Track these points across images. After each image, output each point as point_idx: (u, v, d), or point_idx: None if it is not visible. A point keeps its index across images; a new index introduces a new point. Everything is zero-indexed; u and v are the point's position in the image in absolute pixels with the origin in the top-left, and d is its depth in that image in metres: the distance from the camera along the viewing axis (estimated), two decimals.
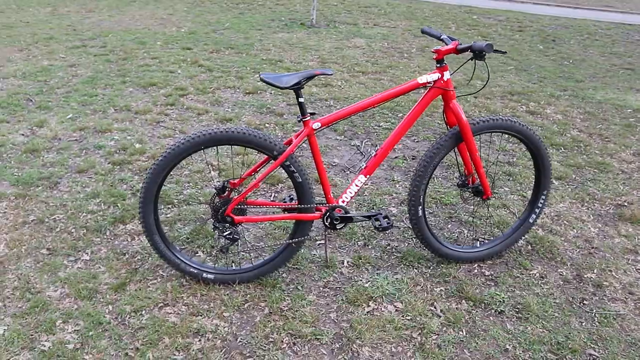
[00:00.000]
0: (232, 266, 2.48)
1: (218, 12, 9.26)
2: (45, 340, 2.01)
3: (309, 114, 2.22)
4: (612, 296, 2.40)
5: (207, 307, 2.23)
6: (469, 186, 2.55)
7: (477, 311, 2.28)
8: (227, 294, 2.30)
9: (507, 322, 2.22)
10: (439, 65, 2.29)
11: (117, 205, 2.95)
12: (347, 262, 2.57)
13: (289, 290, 2.35)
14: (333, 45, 6.95)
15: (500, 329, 2.18)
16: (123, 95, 4.72)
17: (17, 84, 4.92)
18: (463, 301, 2.33)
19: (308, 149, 2.42)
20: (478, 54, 2.19)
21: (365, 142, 3.93)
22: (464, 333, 2.15)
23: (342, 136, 4.05)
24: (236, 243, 2.37)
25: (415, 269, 2.54)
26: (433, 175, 3.42)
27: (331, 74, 2.27)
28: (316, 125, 2.22)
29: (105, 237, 2.68)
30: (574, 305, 2.33)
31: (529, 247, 2.74)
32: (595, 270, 2.57)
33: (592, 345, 2.11)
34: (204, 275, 2.33)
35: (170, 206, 2.99)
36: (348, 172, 3.49)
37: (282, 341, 2.07)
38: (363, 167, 2.40)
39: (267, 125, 4.19)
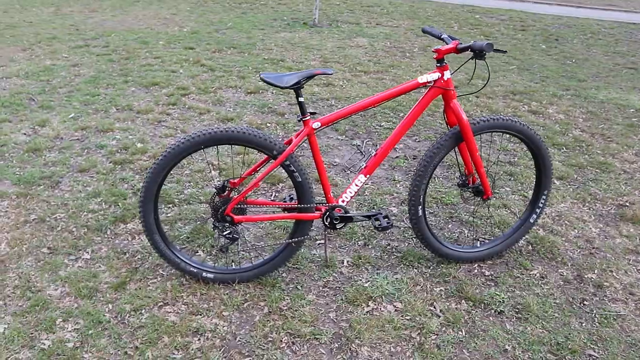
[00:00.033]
0: (231, 265, 2.49)
1: (221, 11, 9.27)
2: (45, 339, 2.02)
3: (309, 114, 2.22)
4: (613, 297, 2.40)
5: (207, 306, 2.23)
6: (470, 186, 2.54)
7: (476, 311, 2.27)
8: (227, 294, 2.30)
9: (507, 322, 2.22)
10: (439, 64, 2.29)
11: (118, 205, 2.96)
12: (347, 261, 2.57)
13: (288, 290, 2.36)
14: (335, 45, 6.95)
15: (500, 329, 2.18)
16: (125, 95, 4.73)
17: (20, 83, 4.94)
18: (463, 301, 2.33)
19: (309, 149, 2.43)
20: (478, 54, 2.19)
21: (367, 142, 3.93)
22: (463, 333, 2.15)
23: (344, 136, 4.05)
24: (236, 242, 2.37)
25: (415, 268, 2.53)
26: (434, 175, 3.42)
27: (331, 74, 2.27)
28: (316, 124, 2.22)
29: (106, 236, 2.69)
30: (574, 306, 2.33)
31: (530, 247, 2.73)
32: (596, 271, 2.56)
33: (592, 346, 2.10)
34: (204, 274, 2.33)
35: (171, 205, 3.00)
36: (349, 172, 3.49)
37: (281, 340, 2.07)
38: (363, 167, 2.40)
39: (268, 124, 4.19)
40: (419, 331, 2.14)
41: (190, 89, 4.93)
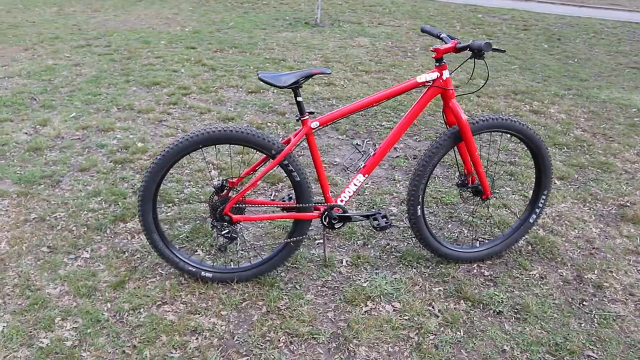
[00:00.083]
0: (230, 265, 2.49)
1: (223, 11, 9.28)
2: (44, 338, 2.03)
3: (307, 113, 2.21)
4: (612, 297, 2.39)
5: (205, 305, 2.23)
6: (469, 186, 2.54)
7: (475, 311, 2.27)
8: (225, 293, 2.31)
9: (506, 322, 2.21)
10: (438, 64, 2.28)
11: (118, 204, 2.97)
12: (346, 261, 2.57)
13: (287, 290, 2.36)
14: (337, 45, 6.95)
15: (499, 329, 2.17)
16: (126, 94, 4.74)
17: (22, 83, 4.96)
18: (461, 301, 2.32)
19: (308, 148, 2.43)
20: (477, 53, 2.18)
21: (367, 142, 3.93)
22: (462, 333, 2.14)
23: (344, 135, 4.04)
24: (234, 242, 2.37)
25: (414, 268, 2.53)
26: (434, 175, 3.42)
27: (329, 73, 2.27)
28: (315, 124, 2.22)
29: (105, 235, 2.70)
30: (574, 306, 2.32)
31: (529, 247, 2.73)
32: (595, 271, 2.55)
33: (591, 347, 2.10)
34: (203, 273, 2.33)
35: (170, 205, 3.00)
36: (348, 171, 3.49)
37: (279, 340, 2.07)
38: (362, 167, 2.40)
39: (269, 124, 4.19)
40: (417, 331, 2.14)
41: (191, 88, 4.94)
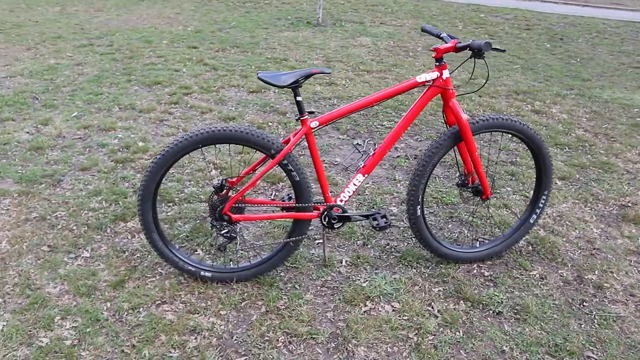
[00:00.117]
0: (230, 264, 2.49)
1: (225, 10, 9.29)
2: (43, 336, 2.03)
3: (306, 113, 2.21)
4: (613, 298, 2.38)
5: (204, 305, 2.24)
6: (469, 186, 2.53)
7: (474, 312, 2.26)
8: (225, 292, 2.31)
9: (505, 323, 2.21)
10: (438, 63, 2.28)
11: (119, 203, 2.97)
12: (346, 261, 2.56)
13: (286, 289, 2.35)
14: (338, 44, 6.94)
15: (498, 330, 2.17)
16: (128, 94, 4.75)
17: (24, 82, 4.98)
18: (461, 302, 2.32)
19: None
20: (477, 52, 2.18)
21: (368, 142, 3.92)
22: (461, 334, 2.14)
23: (345, 135, 4.04)
24: (234, 241, 2.37)
25: (414, 268, 2.53)
26: (434, 175, 3.42)
27: (329, 73, 2.27)
28: (314, 124, 2.21)
29: (105, 234, 2.70)
30: (574, 307, 2.31)
31: (530, 247, 2.72)
32: (596, 272, 2.54)
33: (591, 348, 2.09)
34: (202, 273, 2.34)
35: (171, 204, 3.00)
36: (349, 171, 3.48)
37: (278, 340, 2.07)
38: (361, 166, 2.40)
39: (270, 124, 4.19)
40: (416, 331, 2.13)
41: (192, 88, 4.94)
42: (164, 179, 2.38)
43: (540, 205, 2.60)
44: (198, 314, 2.18)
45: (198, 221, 2.81)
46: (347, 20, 8.73)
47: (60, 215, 2.84)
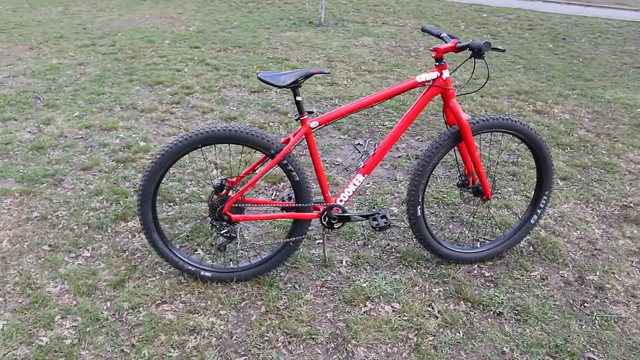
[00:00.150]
0: (230, 264, 2.49)
1: (227, 10, 9.30)
2: (43, 336, 2.03)
3: (306, 113, 2.21)
4: (614, 299, 2.37)
5: (204, 304, 2.24)
6: (469, 186, 2.52)
7: (475, 312, 2.26)
8: (225, 292, 2.31)
9: (505, 324, 2.20)
10: (438, 63, 2.27)
11: (120, 203, 2.98)
12: (346, 261, 2.56)
13: (286, 289, 2.35)
14: (340, 44, 6.94)
15: (498, 330, 2.16)
16: (130, 94, 4.76)
17: (27, 82, 4.99)
18: (461, 302, 2.31)
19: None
20: (477, 52, 2.17)
21: (369, 142, 3.92)
22: (461, 334, 2.13)
23: (346, 135, 4.04)
24: (234, 241, 2.37)
25: (414, 269, 2.52)
26: (435, 175, 3.41)
27: (328, 73, 2.26)
28: (314, 124, 2.21)
29: (106, 234, 2.70)
30: (575, 308, 2.30)
31: (531, 248, 2.71)
32: (597, 272, 2.53)
33: (592, 349, 2.08)
34: (202, 273, 2.34)
35: (172, 204, 3.00)
36: (349, 171, 3.48)
37: (277, 340, 2.07)
38: (361, 166, 2.39)
39: (271, 124, 4.19)
40: (416, 332, 2.13)
41: (194, 87, 4.95)
42: (164, 179, 2.38)
43: (541, 205, 2.60)
44: (198, 313, 2.18)
45: (198, 221, 2.82)
46: (349, 20, 8.72)
47: (61, 215, 2.85)
